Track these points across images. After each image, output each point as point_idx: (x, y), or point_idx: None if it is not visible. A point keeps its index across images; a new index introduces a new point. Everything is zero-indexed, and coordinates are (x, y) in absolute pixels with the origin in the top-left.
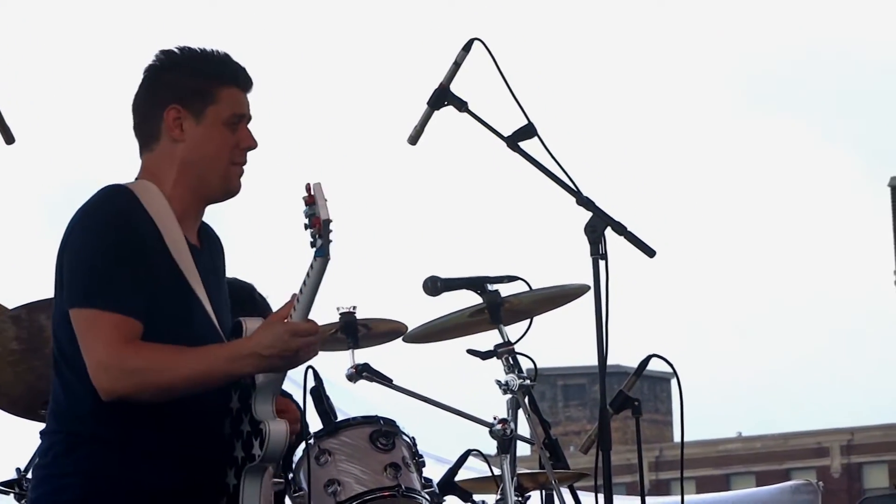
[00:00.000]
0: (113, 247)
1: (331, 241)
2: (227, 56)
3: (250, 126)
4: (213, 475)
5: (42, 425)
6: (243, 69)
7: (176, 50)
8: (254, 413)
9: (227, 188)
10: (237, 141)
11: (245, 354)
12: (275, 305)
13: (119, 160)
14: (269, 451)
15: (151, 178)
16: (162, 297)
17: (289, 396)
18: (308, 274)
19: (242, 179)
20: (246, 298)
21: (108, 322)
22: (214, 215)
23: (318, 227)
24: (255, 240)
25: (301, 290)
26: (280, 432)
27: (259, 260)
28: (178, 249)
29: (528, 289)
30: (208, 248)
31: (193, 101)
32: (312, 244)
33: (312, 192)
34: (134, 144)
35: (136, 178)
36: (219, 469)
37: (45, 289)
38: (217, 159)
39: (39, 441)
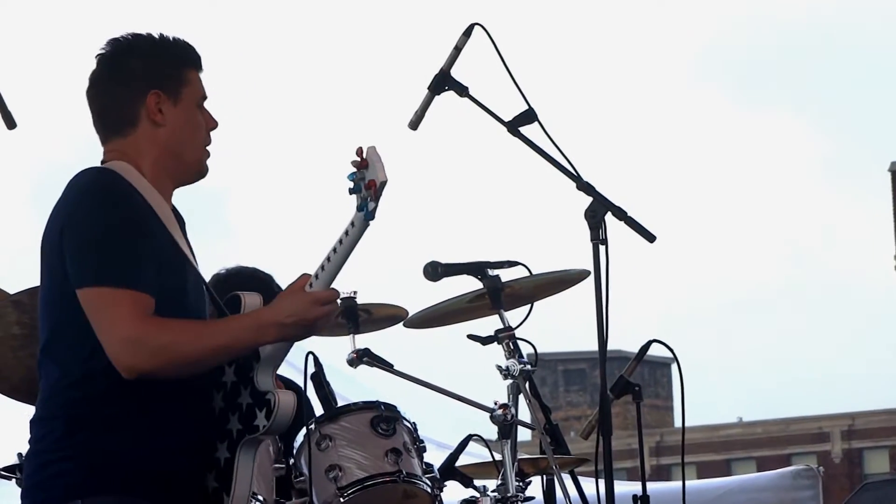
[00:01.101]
0: (118, 223)
1: (378, 204)
2: (184, 40)
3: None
4: (205, 451)
5: None
6: (197, 51)
7: (134, 36)
8: (256, 385)
9: (201, 169)
10: (205, 122)
11: (267, 323)
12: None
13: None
14: (277, 422)
15: (124, 160)
16: (164, 269)
17: (290, 382)
18: (345, 235)
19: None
20: (264, 289)
21: (125, 299)
22: (216, 203)
23: (374, 189)
24: (258, 227)
25: (334, 251)
26: (288, 403)
27: (261, 247)
28: (169, 223)
29: (528, 274)
30: (181, 220)
31: (170, 84)
32: (360, 208)
33: (365, 156)
34: None
35: (104, 162)
36: (210, 444)
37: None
38: (196, 141)
39: (31, 430)
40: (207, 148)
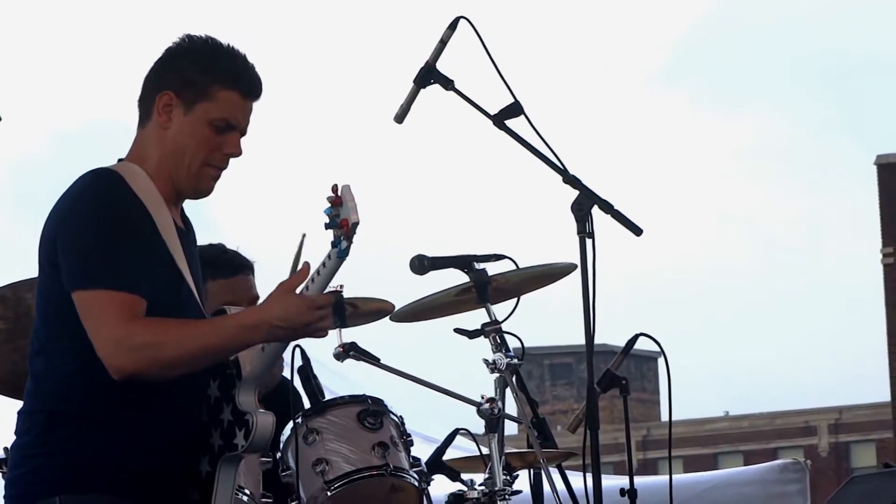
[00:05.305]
0: (110, 228)
1: (353, 242)
2: (242, 58)
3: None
4: (188, 460)
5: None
6: (254, 77)
7: (197, 38)
8: (237, 403)
9: (196, 187)
10: (220, 144)
11: (255, 324)
12: (256, 263)
13: (92, 137)
14: (255, 443)
15: (137, 158)
16: (154, 278)
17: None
18: (322, 266)
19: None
20: (216, 255)
21: (114, 300)
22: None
23: (346, 229)
24: (235, 216)
25: (312, 281)
26: (267, 424)
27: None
28: (167, 231)
29: (515, 267)
30: (188, 229)
31: (188, 91)
32: (334, 244)
33: (340, 194)
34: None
35: (125, 157)
36: (193, 455)
37: (21, 267)
38: (192, 156)
39: (17, 421)
40: (216, 170)
